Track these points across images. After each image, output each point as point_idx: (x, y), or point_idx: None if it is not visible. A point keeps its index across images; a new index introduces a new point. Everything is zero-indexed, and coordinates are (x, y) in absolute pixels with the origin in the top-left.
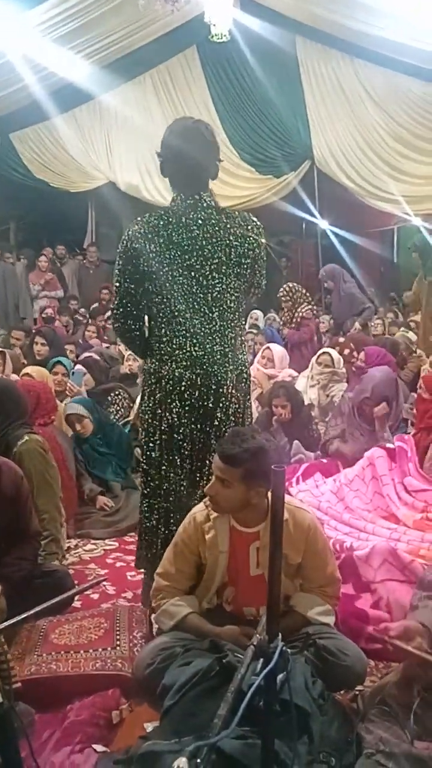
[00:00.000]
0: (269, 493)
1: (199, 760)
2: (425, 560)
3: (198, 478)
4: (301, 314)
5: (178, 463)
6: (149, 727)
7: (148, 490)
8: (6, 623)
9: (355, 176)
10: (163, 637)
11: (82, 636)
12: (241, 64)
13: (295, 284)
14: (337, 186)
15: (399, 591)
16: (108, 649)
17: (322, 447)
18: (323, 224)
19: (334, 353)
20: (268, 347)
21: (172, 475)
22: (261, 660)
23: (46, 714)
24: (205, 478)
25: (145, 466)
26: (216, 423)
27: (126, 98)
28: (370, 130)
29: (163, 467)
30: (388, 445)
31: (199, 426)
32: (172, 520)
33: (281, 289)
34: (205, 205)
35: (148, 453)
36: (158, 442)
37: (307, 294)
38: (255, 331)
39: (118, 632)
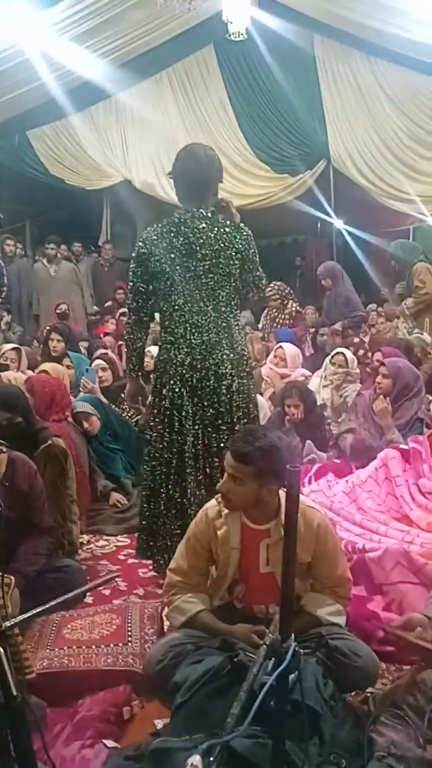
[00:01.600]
0: (281, 491)
1: (212, 759)
2: None
3: (202, 454)
4: (294, 309)
5: (181, 439)
6: (159, 723)
7: (151, 465)
8: (20, 618)
9: (371, 176)
10: (175, 633)
11: (94, 631)
12: (258, 62)
13: (281, 282)
14: (352, 185)
15: (412, 593)
16: (120, 645)
17: (334, 443)
18: (338, 224)
19: (349, 353)
20: (280, 346)
21: (175, 449)
22: (272, 659)
23: (57, 708)
24: (210, 456)
25: (149, 445)
26: (219, 400)
27: (142, 97)
28: (386, 130)
29: (165, 440)
30: (402, 446)
31: (203, 404)
32: (175, 494)
33: (270, 287)
34: (201, 216)
35: (152, 427)
36: (162, 418)
37: (292, 292)
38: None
39: (129, 628)
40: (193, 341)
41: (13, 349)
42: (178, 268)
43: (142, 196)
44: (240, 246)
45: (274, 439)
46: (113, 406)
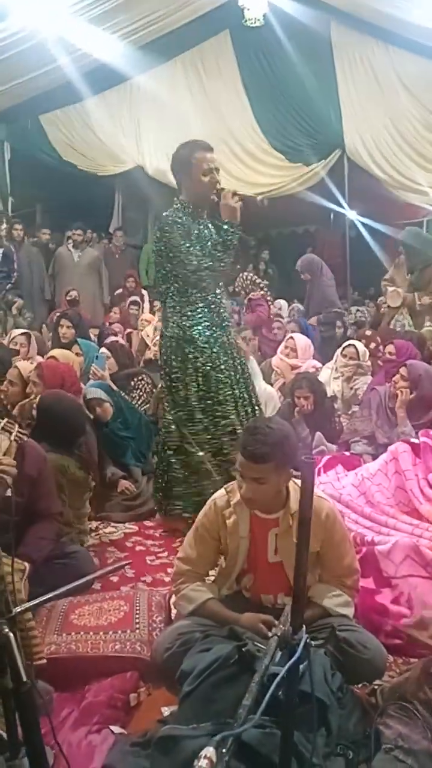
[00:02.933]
0: (290, 482)
1: (224, 750)
2: None
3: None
4: (249, 298)
5: (186, 394)
6: (166, 711)
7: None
8: (30, 604)
9: (386, 166)
10: (183, 621)
11: (101, 618)
12: (274, 49)
13: (248, 273)
14: (366, 176)
15: (421, 587)
16: (127, 631)
17: (343, 443)
18: (351, 215)
19: (360, 345)
20: (291, 337)
21: (182, 402)
22: (282, 651)
23: (64, 693)
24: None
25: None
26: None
27: (157, 81)
28: (402, 120)
29: (173, 392)
30: (413, 440)
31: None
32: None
33: (238, 278)
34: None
35: (165, 387)
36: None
37: (258, 282)
38: (280, 320)
39: (137, 615)
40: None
41: (23, 334)
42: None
43: (155, 183)
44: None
45: (280, 428)
46: (123, 394)
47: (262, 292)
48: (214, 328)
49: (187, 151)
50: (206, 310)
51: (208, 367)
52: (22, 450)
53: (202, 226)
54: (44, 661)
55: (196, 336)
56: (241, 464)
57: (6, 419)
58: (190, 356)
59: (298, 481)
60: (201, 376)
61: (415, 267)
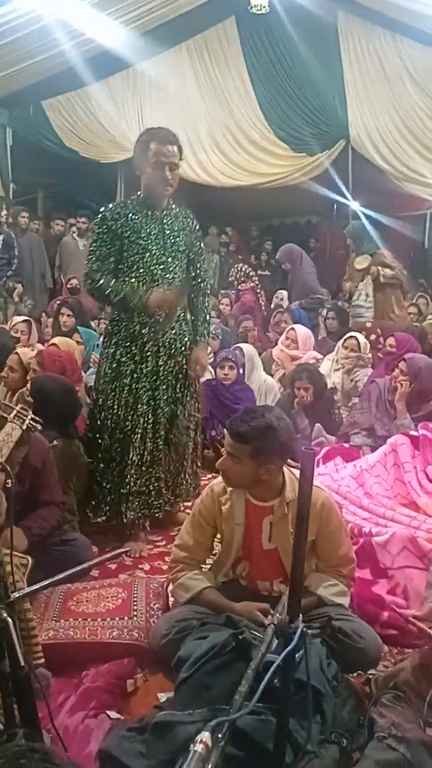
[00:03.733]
0: (286, 470)
1: (219, 735)
2: None
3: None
4: (238, 289)
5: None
6: (163, 696)
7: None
8: (29, 589)
9: (391, 158)
10: (180, 609)
11: (99, 604)
12: (280, 37)
13: (243, 265)
14: (370, 167)
15: (417, 579)
16: (125, 618)
17: (342, 435)
18: (354, 206)
19: (361, 337)
20: (292, 328)
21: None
22: (279, 639)
23: (62, 678)
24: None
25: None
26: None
27: (161, 68)
28: (409, 111)
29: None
30: (412, 432)
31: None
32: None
33: (232, 269)
34: None
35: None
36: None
37: (251, 274)
38: (282, 310)
39: (135, 603)
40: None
41: (23, 321)
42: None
43: None
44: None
45: (271, 419)
46: None
47: (252, 284)
48: (136, 357)
49: (145, 137)
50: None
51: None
52: (26, 440)
53: (155, 219)
54: (42, 660)
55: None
56: (225, 437)
57: (20, 405)
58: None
59: (296, 471)
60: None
61: (360, 251)
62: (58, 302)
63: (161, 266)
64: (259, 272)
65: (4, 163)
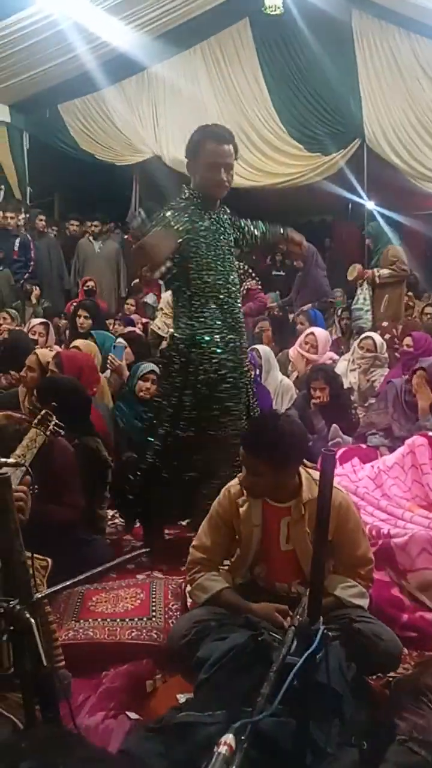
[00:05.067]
0: (302, 470)
1: (243, 737)
2: None
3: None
4: (246, 287)
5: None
6: (182, 698)
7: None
8: (50, 590)
9: (407, 156)
10: (198, 609)
11: (118, 605)
12: (294, 37)
13: (241, 263)
14: (385, 166)
15: None
16: (144, 619)
17: (359, 435)
18: (370, 205)
19: (377, 337)
20: (312, 333)
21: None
22: (298, 641)
23: (81, 678)
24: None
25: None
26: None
27: (175, 70)
28: (424, 109)
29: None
30: (430, 433)
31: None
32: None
33: None
34: None
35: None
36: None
37: (251, 271)
38: (297, 312)
39: (153, 603)
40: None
41: (41, 323)
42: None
43: (172, 173)
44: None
45: (283, 426)
46: None
47: (252, 281)
48: (225, 332)
49: (198, 136)
50: (218, 311)
51: (213, 377)
52: (50, 444)
53: (210, 221)
54: (63, 663)
55: (207, 340)
56: (241, 453)
57: (45, 410)
58: (195, 361)
59: (312, 471)
60: (202, 385)
61: (378, 250)
62: (75, 304)
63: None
64: (273, 273)
65: (21, 167)
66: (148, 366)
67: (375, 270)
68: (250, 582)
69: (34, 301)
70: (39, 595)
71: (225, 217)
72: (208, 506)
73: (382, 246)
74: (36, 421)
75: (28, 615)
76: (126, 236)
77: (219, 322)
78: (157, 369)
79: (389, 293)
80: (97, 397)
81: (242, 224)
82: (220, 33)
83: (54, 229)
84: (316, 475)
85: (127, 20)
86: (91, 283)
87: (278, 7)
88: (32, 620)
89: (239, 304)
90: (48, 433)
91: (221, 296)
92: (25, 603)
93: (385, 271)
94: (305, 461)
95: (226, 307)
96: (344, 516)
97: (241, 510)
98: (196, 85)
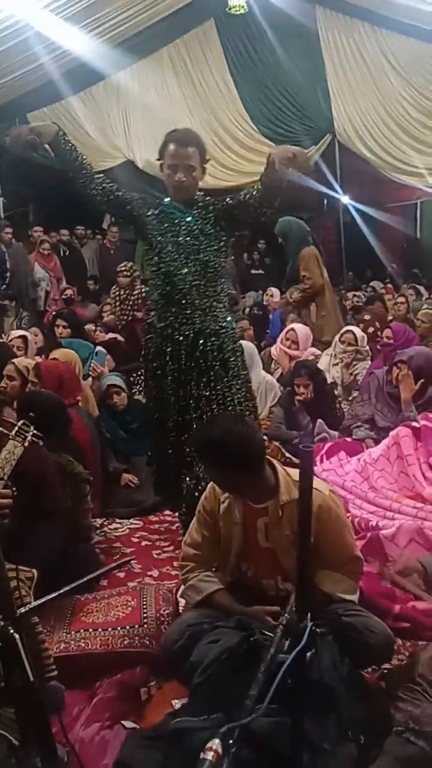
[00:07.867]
0: (279, 470)
1: (231, 741)
2: None
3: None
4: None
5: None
6: (177, 704)
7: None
8: (35, 603)
9: (377, 149)
10: (191, 613)
11: (110, 614)
12: (259, 36)
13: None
14: (358, 160)
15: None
16: (135, 626)
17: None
18: (344, 199)
19: (358, 331)
20: (292, 329)
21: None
22: (289, 639)
23: (75, 690)
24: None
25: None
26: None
27: (143, 75)
28: (393, 102)
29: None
30: (414, 423)
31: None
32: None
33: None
34: None
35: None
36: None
37: None
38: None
39: (145, 610)
40: None
41: (19, 337)
42: None
43: (145, 176)
44: None
45: (222, 430)
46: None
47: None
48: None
49: (166, 139)
50: (190, 309)
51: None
52: (26, 451)
53: (178, 220)
54: (55, 674)
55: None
56: None
57: (22, 421)
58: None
59: (291, 471)
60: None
61: (291, 256)
62: (53, 314)
63: None
64: (252, 271)
65: None
66: (106, 380)
67: (288, 293)
68: (239, 580)
69: (12, 314)
70: (22, 610)
71: (198, 212)
72: None
73: (293, 247)
74: (14, 432)
75: (12, 631)
76: (103, 241)
77: (189, 322)
78: (117, 381)
79: (311, 303)
80: (81, 405)
81: (230, 201)
82: (185, 35)
83: (31, 238)
84: (297, 475)
85: (88, 28)
86: (69, 292)
87: (242, 7)
88: (16, 636)
89: (217, 304)
90: (26, 444)
91: (192, 297)
92: (9, 619)
93: (296, 294)
94: (292, 458)
95: (197, 303)
96: (325, 518)
97: (222, 506)
98: (164, 89)
